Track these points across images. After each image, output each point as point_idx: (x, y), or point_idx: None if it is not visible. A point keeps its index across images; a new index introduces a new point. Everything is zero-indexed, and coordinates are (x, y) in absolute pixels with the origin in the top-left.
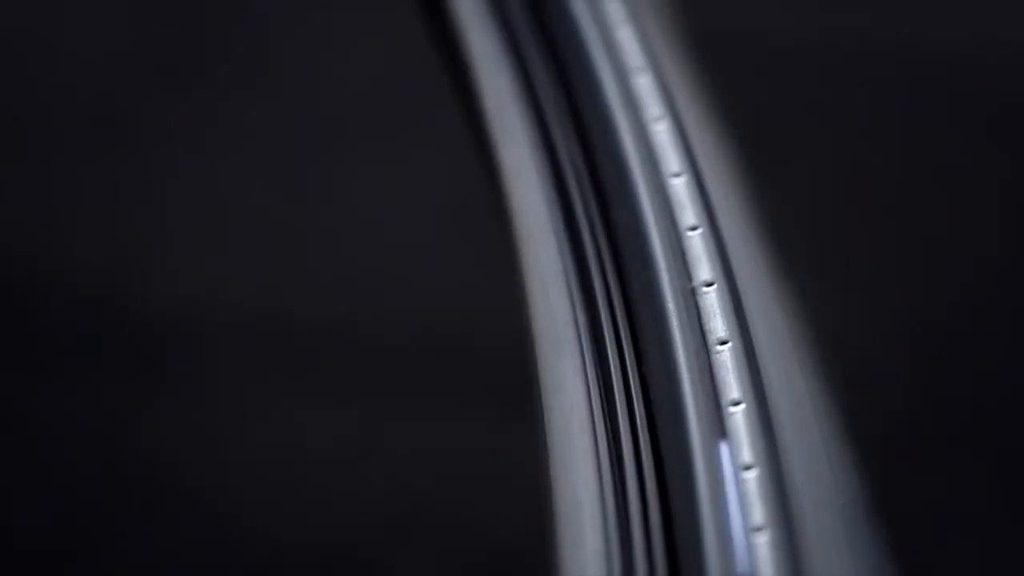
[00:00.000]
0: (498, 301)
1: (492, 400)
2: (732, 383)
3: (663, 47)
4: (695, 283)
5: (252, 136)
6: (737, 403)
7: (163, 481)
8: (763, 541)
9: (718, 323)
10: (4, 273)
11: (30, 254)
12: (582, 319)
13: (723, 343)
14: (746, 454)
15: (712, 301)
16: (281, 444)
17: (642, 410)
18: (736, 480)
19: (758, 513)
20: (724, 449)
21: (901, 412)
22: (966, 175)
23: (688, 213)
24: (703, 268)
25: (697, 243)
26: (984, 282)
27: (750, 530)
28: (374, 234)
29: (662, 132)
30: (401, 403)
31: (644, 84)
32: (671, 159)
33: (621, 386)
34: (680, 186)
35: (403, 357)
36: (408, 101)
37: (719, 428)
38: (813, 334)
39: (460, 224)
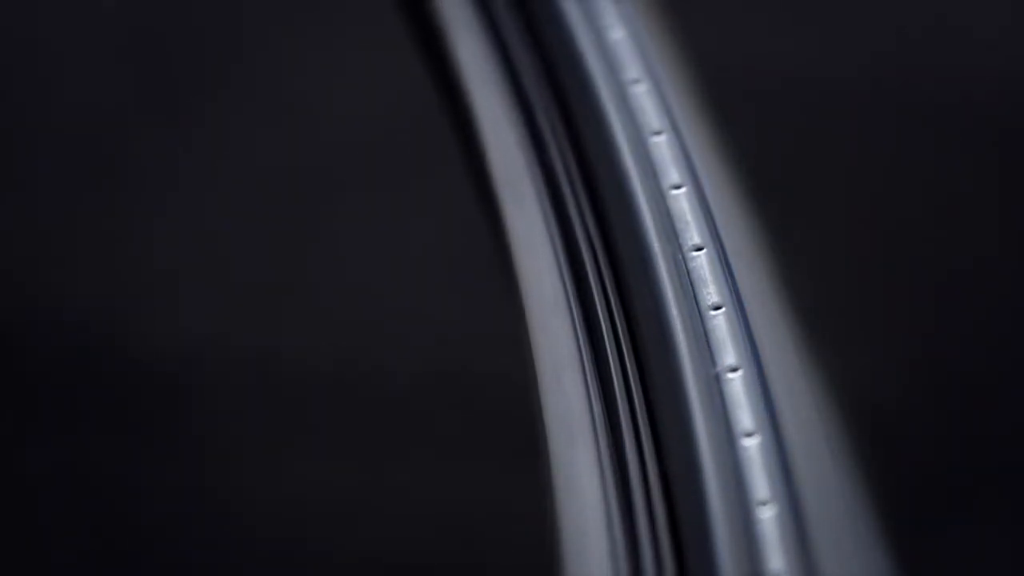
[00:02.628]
0: (505, 370)
1: (496, 456)
2: (760, 481)
3: (681, 105)
4: (719, 368)
5: (250, 178)
6: (766, 503)
7: (158, 536)
8: None
9: (744, 414)
10: None
11: (20, 295)
12: (597, 408)
13: (750, 435)
14: (777, 562)
15: (738, 389)
16: (279, 494)
17: (663, 512)
18: None
19: None
20: (754, 555)
21: (930, 476)
22: (994, 218)
23: (711, 290)
24: (728, 352)
25: (721, 323)
26: (1011, 328)
27: None
28: (375, 280)
29: (682, 199)
30: (401, 454)
31: (661, 146)
32: (692, 231)
33: (640, 483)
34: (702, 259)
35: (403, 409)
36: (411, 150)
37: (748, 532)
38: (843, 412)
39: (464, 282)
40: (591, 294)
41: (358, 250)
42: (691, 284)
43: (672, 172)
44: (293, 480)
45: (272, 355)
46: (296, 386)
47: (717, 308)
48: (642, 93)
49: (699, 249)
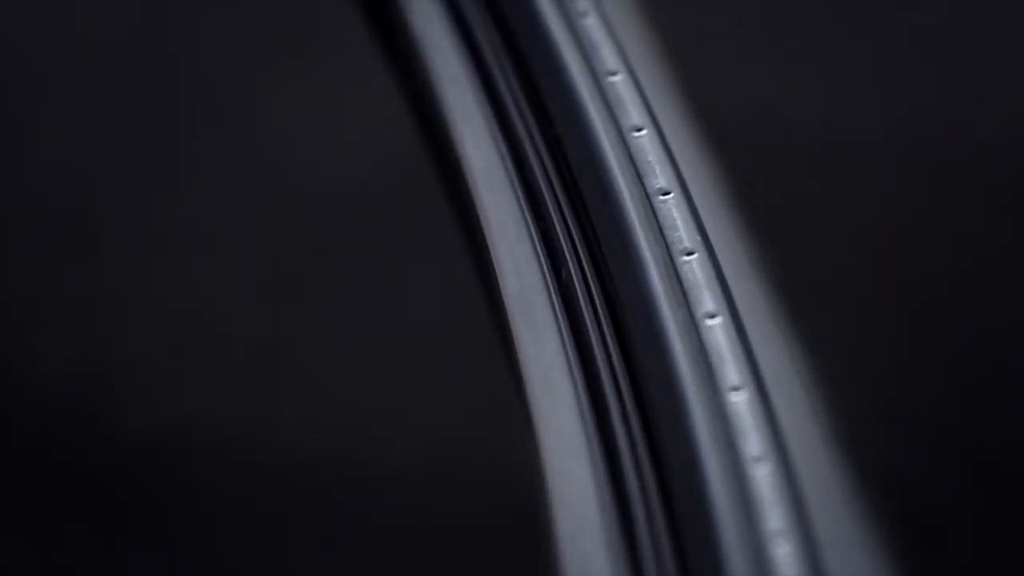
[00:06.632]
0: (512, 454)
1: (500, 548)
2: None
3: (714, 220)
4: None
5: (237, 242)
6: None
7: None
8: None
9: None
10: None
11: None
12: (615, 517)
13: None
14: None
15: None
16: None
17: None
18: None
19: None
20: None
21: (959, 543)
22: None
23: (753, 441)
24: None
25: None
26: None
27: None
28: (373, 356)
29: (717, 331)
30: (400, 551)
31: (694, 268)
32: (730, 367)
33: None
34: (742, 401)
35: (403, 496)
36: (405, 206)
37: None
38: (866, 483)
39: (468, 355)
40: (615, 438)
41: (355, 321)
42: (731, 429)
43: (707, 299)
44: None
45: (257, 441)
46: (289, 470)
47: (758, 458)
48: (671, 205)
49: (737, 389)
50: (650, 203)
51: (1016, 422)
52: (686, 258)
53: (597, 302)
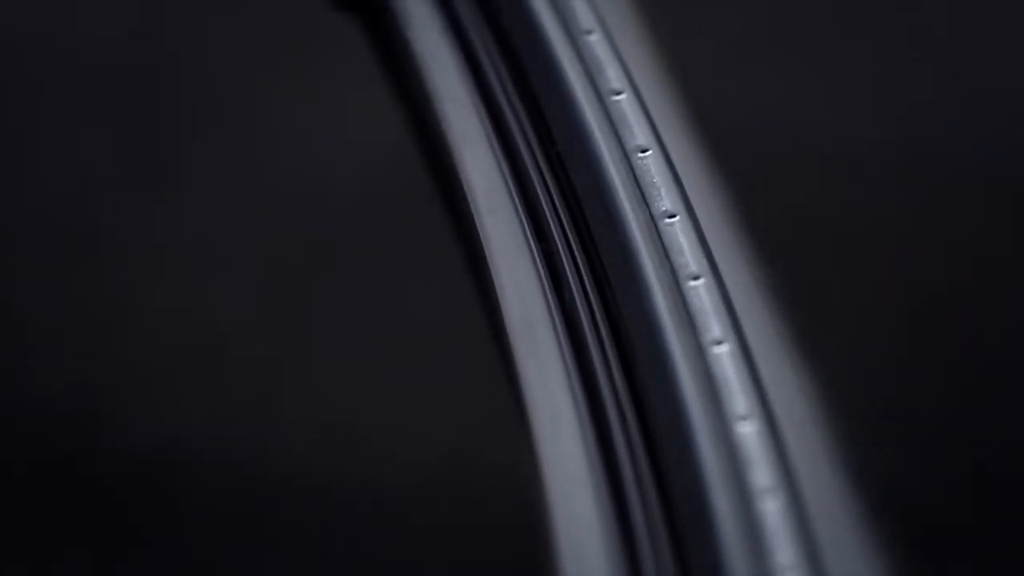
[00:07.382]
0: (514, 472)
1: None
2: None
3: (719, 242)
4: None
5: (233, 250)
6: (768, 491)
7: None
8: None
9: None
10: None
11: None
12: (620, 548)
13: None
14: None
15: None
16: None
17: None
18: None
19: None
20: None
21: (959, 543)
22: None
23: (761, 472)
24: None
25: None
26: None
27: None
28: (373, 367)
29: (724, 359)
30: (400, 558)
31: (700, 292)
32: (737, 397)
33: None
34: (749, 433)
35: (400, 521)
36: (406, 211)
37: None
38: (867, 497)
39: (470, 367)
40: (620, 468)
41: (356, 327)
42: (739, 460)
43: (714, 325)
44: None
45: (264, 442)
46: (290, 473)
47: (767, 490)
48: (677, 227)
49: (744, 419)
50: (655, 226)
51: (1016, 422)
52: (692, 282)
53: (601, 327)
